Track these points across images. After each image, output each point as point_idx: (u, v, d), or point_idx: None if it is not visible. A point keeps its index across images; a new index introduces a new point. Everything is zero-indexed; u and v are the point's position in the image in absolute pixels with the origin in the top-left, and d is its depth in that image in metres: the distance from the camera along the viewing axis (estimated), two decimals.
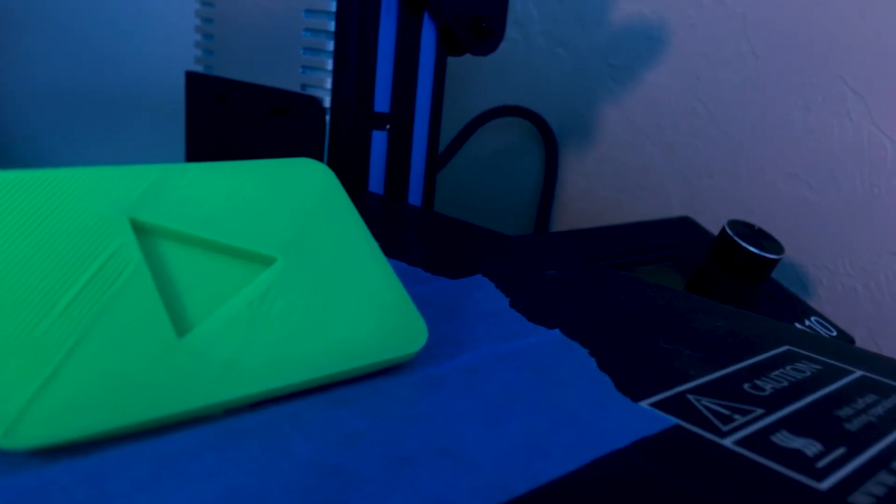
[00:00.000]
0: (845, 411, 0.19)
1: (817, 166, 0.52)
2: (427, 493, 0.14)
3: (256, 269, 0.18)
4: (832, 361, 0.22)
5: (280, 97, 0.42)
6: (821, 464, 0.16)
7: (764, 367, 0.21)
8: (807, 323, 0.43)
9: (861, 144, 0.50)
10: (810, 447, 0.17)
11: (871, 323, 0.51)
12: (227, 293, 0.17)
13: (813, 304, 0.53)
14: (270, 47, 0.43)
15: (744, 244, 0.43)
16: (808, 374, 0.21)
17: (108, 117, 0.64)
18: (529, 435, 0.16)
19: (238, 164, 0.20)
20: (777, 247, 0.44)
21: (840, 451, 0.17)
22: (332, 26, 0.40)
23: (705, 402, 0.18)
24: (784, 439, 0.17)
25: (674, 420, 0.17)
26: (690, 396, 0.19)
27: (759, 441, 0.17)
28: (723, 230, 0.44)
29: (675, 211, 0.60)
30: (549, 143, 0.65)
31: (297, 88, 0.42)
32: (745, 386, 0.20)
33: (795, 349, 0.23)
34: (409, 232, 0.34)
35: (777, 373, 0.21)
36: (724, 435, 0.17)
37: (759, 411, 0.18)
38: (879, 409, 0.19)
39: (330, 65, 0.40)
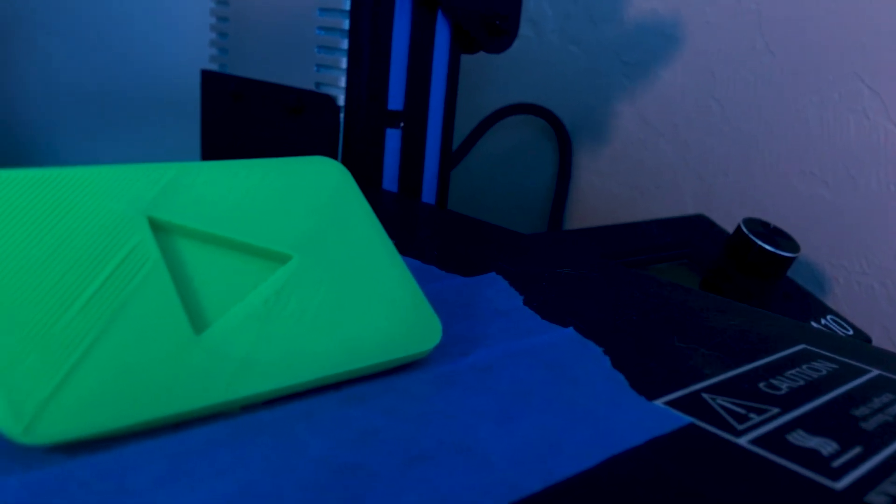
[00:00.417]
0: (861, 410, 0.19)
1: (833, 164, 0.52)
2: (441, 490, 0.14)
3: (272, 266, 0.19)
4: (848, 360, 0.22)
5: (294, 95, 0.42)
6: (836, 463, 0.16)
7: (779, 366, 0.21)
8: (823, 322, 0.43)
9: (877, 142, 0.50)
10: (826, 446, 0.16)
11: (888, 322, 0.51)
12: (243, 290, 0.18)
13: (829, 302, 0.53)
14: (285, 45, 0.43)
15: (759, 242, 0.42)
16: (825, 373, 0.21)
17: (125, 116, 0.64)
18: (543, 433, 0.16)
19: (254, 162, 0.20)
20: (793, 245, 0.44)
21: (856, 451, 0.16)
22: (346, 24, 0.40)
23: (720, 400, 0.18)
24: (800, 438, 0.17)
25: (688, 419, 0.17)
26: (705, 395, 0.18)
27: (774, 440, 0.17)
28: (738, 228, 0.44)
29: (690, 209, 0.60)
30: (563, 141, 0.65)
31: (311, 87, 0.42)
32: (761, 385, 0.19)
33: (811, 348, 0.23)
34: (423, 230, 0.34)
35: (793, 372, 0.21)
36: (739, 434, 0.17)
37: (775, 410, 0.18)
38: None
39: (344, 63, 0.40)
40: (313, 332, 0.17)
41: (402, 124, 0.43)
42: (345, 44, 0.40)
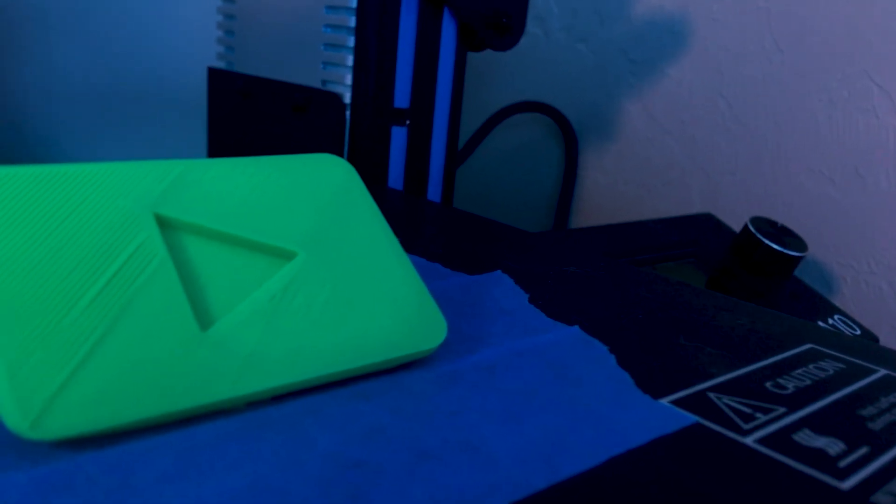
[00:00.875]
0: (868, 410, 0.18)
1: (842, 163, 0.52)
2: (446, 487, 0.14)
3: (278, 263, 0.19)
4: (855, 360, 0.22)
5: (301, 93, 0.42)
6: (843, 463, 0.16)
7: (786, 366, 0.21)
8: (830, 321, 0.43)
9: (886, 141, 0.49)
10: (833, 446, 0.16)
11: None
12: (249, 287, 0.18)
13: (836, 301, 0.53)
14: (291, 43, 0.43)
15: (766, 241, 0.42)
16: (832, 372, 0.21)
17: (132, 113, 0.64)
18: (548, 431, 0.16)
19: (260, 159, 0.20)
20: (800, 244, 0.44)
21: (863, 451, 0.16)
22: (352, 22, 0.40)
23: (726, 400, 0.18)
24: (806, 438, 0.17)
25: (694, 418, 0.17)
26: (711, 394, 0.18)
27: (780, 440, 0.17)
28: (745, 227, 0.44)
29: (697, 207, 0.60)
30: (569, 139, 0.65)
31: (317, 84, 0.42)
32: (767, 384, 0.19)
33: (818, 347, 0.23)
34: (429, 227, 0.34)
35: (800, 371, 0.21)
36: (745, 433, 0.17)
37: (782, 410, 0.18)
38: None
39: (350, 61, 0.40)
40: (319, 329, 0.17)
41: (407, 122, 0.43)
42: (351, 41, 0.40)
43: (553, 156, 0.69)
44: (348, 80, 0.40)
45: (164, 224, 0.18)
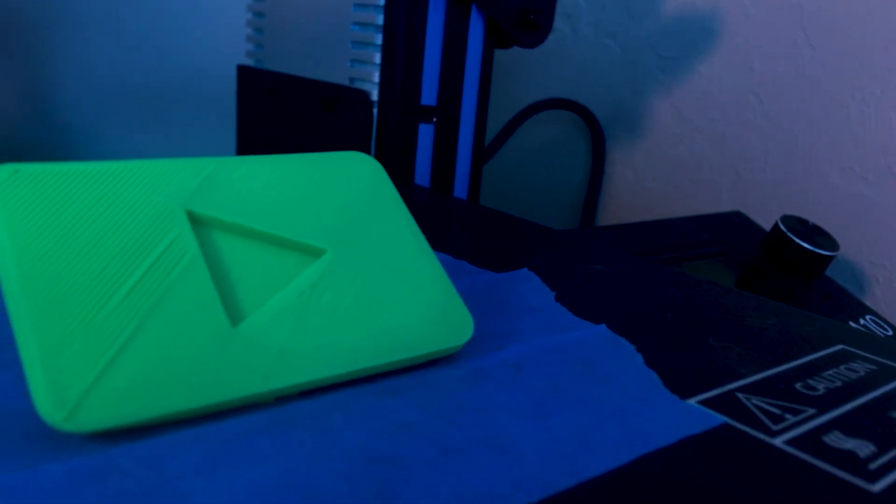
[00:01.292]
0: None
1: (874, 160, 0.51)
2: (472, 484, 0.14)
3: (307, 260, 0.19)
4: (887, 361, 0.22)
5: (329, 90, 0.43)
6: (874, 465, 0.16)
7: (817, 367, 0.21)
8: (861, 322, 0.42)
9: None
10: (863, 448, 0.16)
11: None
12: (279, 284, 0.18)
13: (868, 302, 0.52)
14: (320, 41, 0.44)
15: (797, 240, 0.42)
16: (863, 374, 0.20)
17: (163, 111, 0.65)
18: (575, 430, 0.16)
19: (289, 157, 0.21)
20: (832, 243, 0.43)
21: (894, 453, 0.16)
22: (380, 20, 0.40)
23: (755, 400, 0.18)
24: (836, 440, 0.17)
25: (722, 418, 0.17)
26: (740, 395, 0.18)
27: (810, 441, 0.16)
28: (776, 226, 0.43)
29: (726, 205, 0.59)
30: (597, 136, 0.65)
31: (345, 82, 0.42)
32: (797, 385, 0.19)
33: (850, 348, 0.22)
34: (455, 225, 0.34)
35: (830, 372, 0.20)
36: (774, 434, 0.17)
37: (811, 411, 0.18)
38: None
39: (378, 58, 0.40)
40: (347, 326, 0.18)
41: (435, 119, 0.43)
42: (379, 39, 0.40)
43: (580, 153, 0.69)
44: (376, 77, 0.41)
45: (195, 221, 0.18)
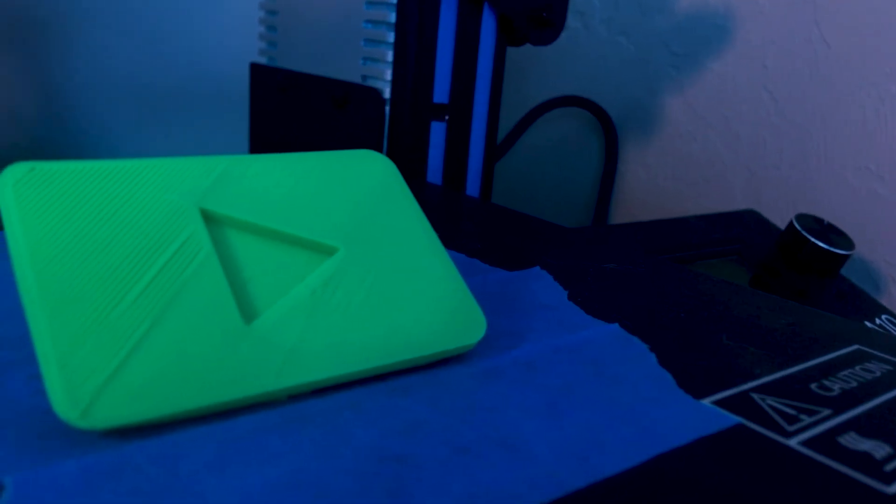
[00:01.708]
0: None
1: (890, 159, 0.50)
2: (484, 483, 0.14)
3: (319, 258, 0.19)
4: None
5: (341, 88, 0.43)
6: (889, 467, 0.15)
7: (832, 367, 0.20)
8: (877, 321, 0.42)
9: None
10: (879, 450, 0.16)
11: None
12: (291, 282, 0.18)
13: (884, 301, 0.51)
14: (332, 39, 0.44)
15: (812, 239, 0.41)
16: (879, 374, 0.20)
17: (176, 109, 0.65)
18: (587, 429, 0.16)
19: (301, 155, 0.21)
20: (847, 242, 0.43)
21: None
22: (392, 17, 0.40)
23: (770, 401, 0.18)
24: (852, 441, 0.16)
25: (736, 419, 0.17)
26: (754, 395, 0.18)
27: (825, 442, 0.16)
28: (790, 224, 0.43)
29: (740, 204, 0.59)
30: (609, 134, 0.64)
31: (357, 80, 0.42)
32: (813, 385, 0.19)
33: (865, 348, 0.22)
34: (468, 223, 0.34)
35: (846, 373, 0.20)
36: (789, 435, 0.16)
37: (827, 412, 0.18)
38: None
39: (390, 56, 0.40)
40: (359, 324, 0.18)
41: (447, 117, 0.43)
42: (391, 37, 0.40)
43: (593, 151, 0.68)
44: (388, 75, 0.41)
45: (209, 219, 0.18)
